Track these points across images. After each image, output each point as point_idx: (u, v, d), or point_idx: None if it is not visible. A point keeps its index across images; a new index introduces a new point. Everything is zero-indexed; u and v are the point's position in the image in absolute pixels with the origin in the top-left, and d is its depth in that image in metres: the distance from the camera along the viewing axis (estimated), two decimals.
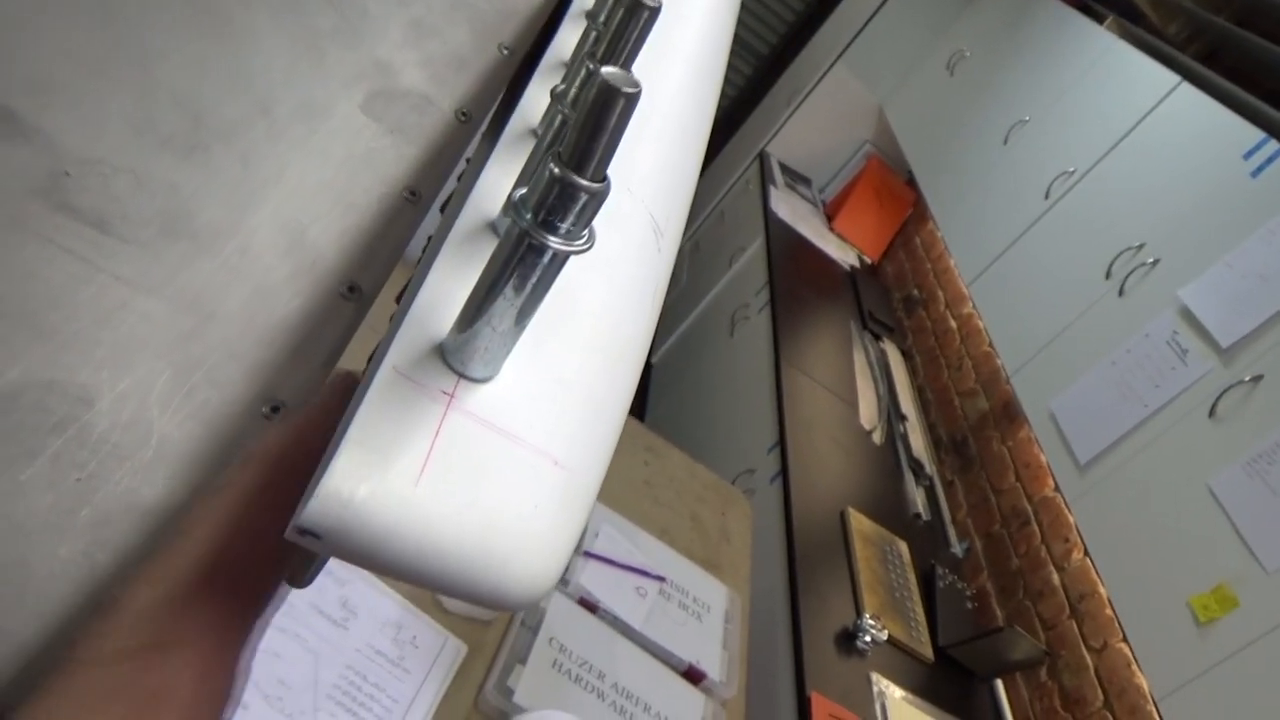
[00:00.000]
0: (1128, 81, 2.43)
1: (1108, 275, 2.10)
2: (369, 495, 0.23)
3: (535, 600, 0.24)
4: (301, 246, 0.28)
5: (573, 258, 0.24)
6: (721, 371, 3.22)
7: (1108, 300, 2.08)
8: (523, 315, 0.25)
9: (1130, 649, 1.83)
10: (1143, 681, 1.87)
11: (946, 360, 3.10)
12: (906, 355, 3.30)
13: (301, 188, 0.29)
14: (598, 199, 0.23)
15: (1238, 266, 1.81)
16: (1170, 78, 2.24)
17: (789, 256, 3.41)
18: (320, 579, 1.27)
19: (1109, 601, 1.92)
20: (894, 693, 1.91)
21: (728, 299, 3.55)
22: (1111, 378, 1.94)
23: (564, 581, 1.46)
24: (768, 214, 3.61)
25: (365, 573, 1.32)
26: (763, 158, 4.18)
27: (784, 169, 4.17)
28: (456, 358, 0.25)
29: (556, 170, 0.23)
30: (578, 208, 0.24)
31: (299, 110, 0.29)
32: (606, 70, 0.21)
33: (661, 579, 1.60)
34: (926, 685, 1.99)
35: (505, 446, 0.24)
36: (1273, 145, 1.90)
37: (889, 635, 1.98)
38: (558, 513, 0.24)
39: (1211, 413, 1.69)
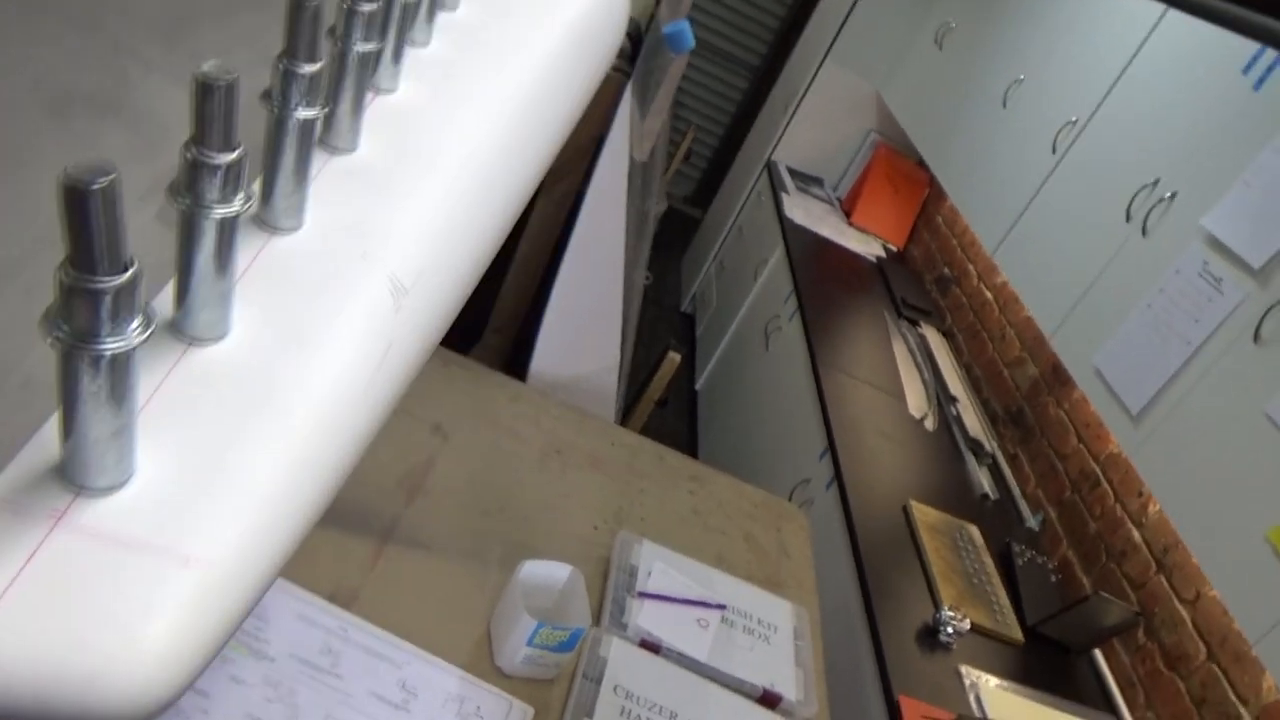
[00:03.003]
0: (1113, 20, 2.38)
1: (1128, 217, 2.05)
2: None
3: (147, 713, 0.22)
4: None
5: (241, 345, 0.23)
6: (763, 386, 3.19)
7: (1132, 242, 2.02)
8: (117, 415, 0.24)
9: None
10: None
11: (988, 333, 3.04)
12: (948, 335, 3.24)
13: None
14: (128, 289, 0.22)
15: (1256, 184, 1.75)
16: (1155, 7, 2.18)
17: (811, 259, 3.38)
18: (375, 664, 1.28)
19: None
20: (987, 682, 1.85)
21: (758, 313, 3.53)
22: (1149, 321, 1.88)
23: (621, 625, 1.45)
24: (783, 221, 3.59)
25: (421, 651, 1.32)
26: (770, 167, 4.17)
27: (793, 174, 4.15)
28: (71, 472, 0.24)
29: (66, 278, 0.22)
30: (107, 306, 0.22)
31: None
32: (72, 165, 0.20)
33: (722, 607, 1.57)
34: (1021, 668, 1.92)
35: (119, 555, 0.23)
36: (1270, 54, 1.84)
37: (972, 624, 1.93)
38: (182, 612, 0.23)
39: (1256, 337, 1.62)
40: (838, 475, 2.25)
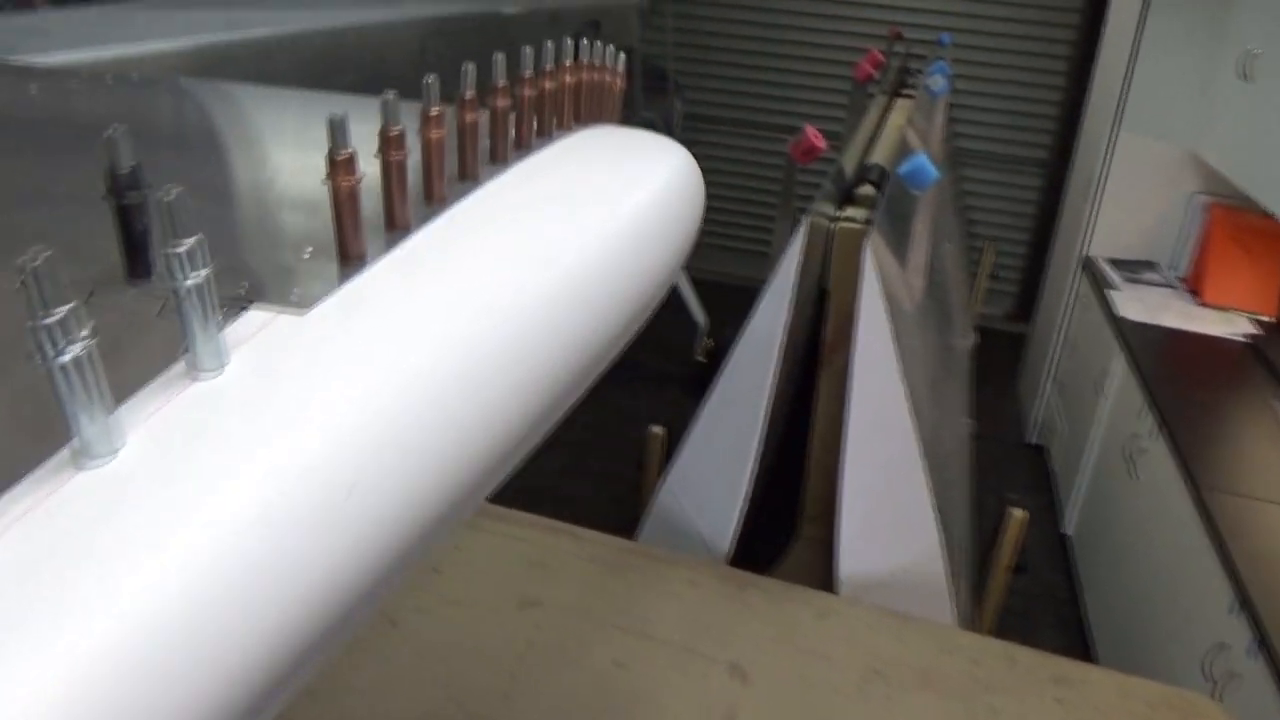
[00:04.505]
0: None
1: None
2: None
3: None
4: None
5: None
6: (1139, 523, 2.66)
7: None
8: None
9: None
10: None
11: None
12: None
13: None
14: None
15: None
16: None
17: (1162, 358, 2.86)
18: None
19: None
20: None
21: (1113, 435, 3.01)
22: None
23: None
24: (1117, 322, 3.11)
25: None
26: (1086, 264, 3.70)
27: (1116, 264, 3.63)
28: None
29: None
30: None
31: None
32: None
33: None
34: None
35: None
36: None
37: None
38: None
39: None
40: (1261, 636, 1.74)
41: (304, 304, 0.38)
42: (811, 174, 2.36)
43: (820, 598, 1.78)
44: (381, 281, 0.42)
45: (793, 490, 2.34)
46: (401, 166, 0.50)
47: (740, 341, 2.04)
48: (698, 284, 4.63)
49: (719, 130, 5.42)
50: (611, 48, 0.68)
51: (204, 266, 0.34)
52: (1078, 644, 2.87)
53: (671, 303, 4.66)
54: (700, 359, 4.79)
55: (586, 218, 0.55)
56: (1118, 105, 3.52)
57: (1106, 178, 3.64)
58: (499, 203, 0.55)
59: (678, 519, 2.14)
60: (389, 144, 0.50)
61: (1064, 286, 3.92)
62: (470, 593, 1.77)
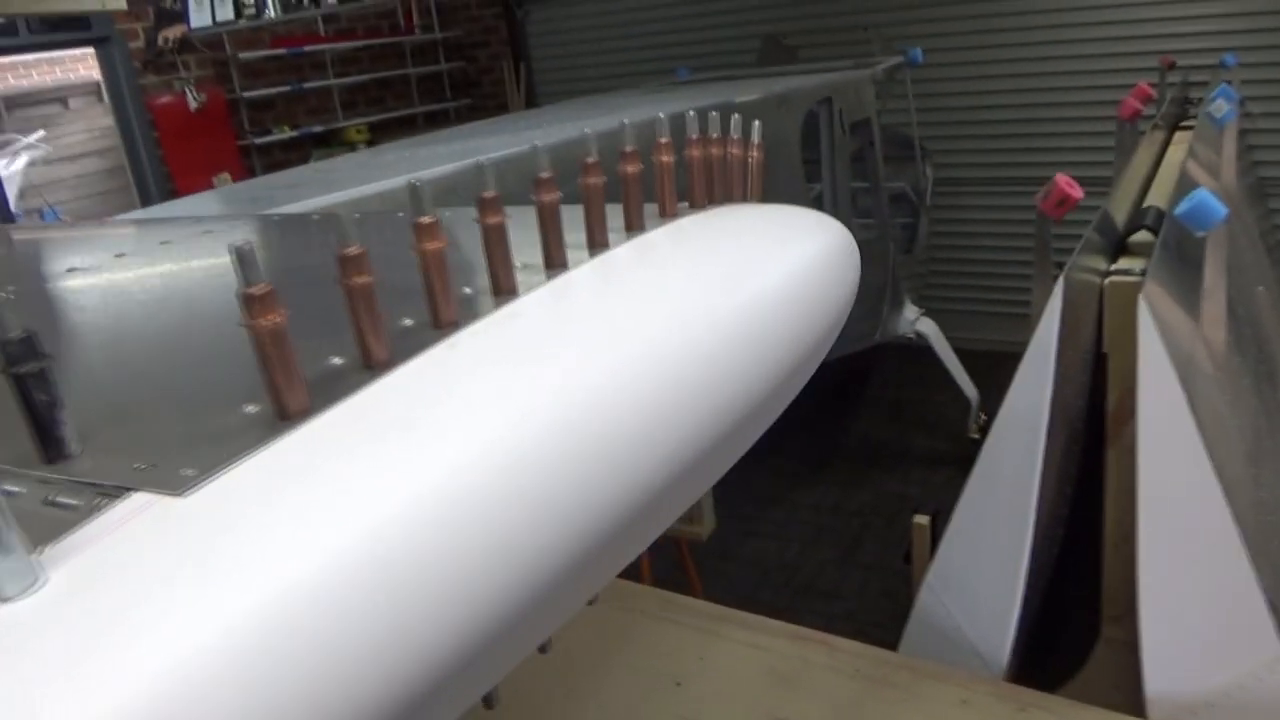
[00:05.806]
0: None
1: None
2: None
3: None
4: None
5: None
6: None
7: None
8: None
9: None
10: None
11: None
12: None
13: None
14: None
15: None
16: None
17: None
18: None
19: None
20: None
21: None
22: None
23: None
24: None
25: None
26: None
27: None
28: None
29: None
30: None
31: None
32: None
33: None
34: None
35: None
36: None
37: None
38: None
39: None
40: None
41: (185, 485, 0.31)
42: (1079, 225, 2.10)
43: None
44: (287, 458, 0.34)
45: (1092, 583, 2.05)
46: (367, 289, 0.43)
47: (998, 421, 1.82)
48: (965, 354, 4.32)
49: (973, 191, 5.11)
50: (737, 117, 0.59)
51: None
52: None
53: (938, 378, 4.36)
54: (975, 436, 4.44)
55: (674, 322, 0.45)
56: None
57: None
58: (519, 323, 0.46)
59: (944, 623, 1.91)
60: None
61: None
62: (711, 710, 1.65)
